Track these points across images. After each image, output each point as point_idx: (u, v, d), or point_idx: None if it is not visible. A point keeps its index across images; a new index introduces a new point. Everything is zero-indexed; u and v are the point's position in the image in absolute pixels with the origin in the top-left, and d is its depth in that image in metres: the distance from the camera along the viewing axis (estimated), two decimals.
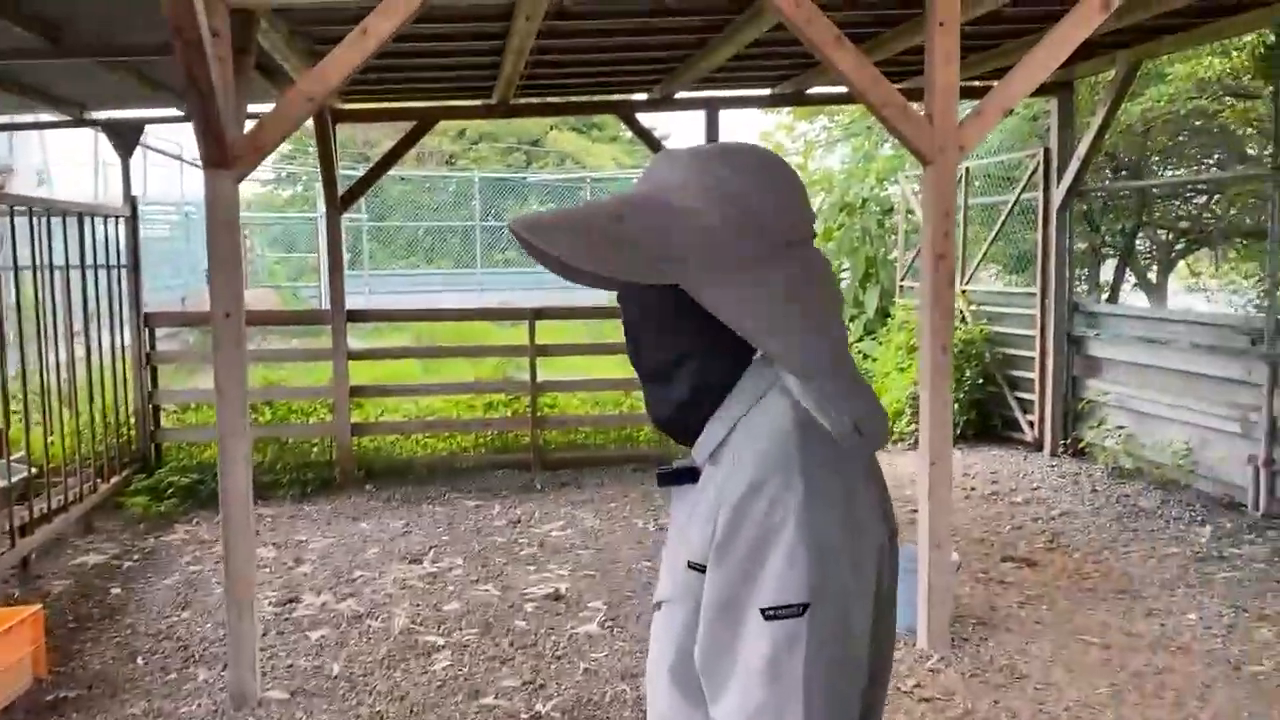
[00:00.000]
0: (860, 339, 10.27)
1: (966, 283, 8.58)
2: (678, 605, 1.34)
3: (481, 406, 7.89)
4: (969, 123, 3.90)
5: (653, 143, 7.28)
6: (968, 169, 8.67)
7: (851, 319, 10.64)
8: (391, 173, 20.17)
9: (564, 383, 8.05)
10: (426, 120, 7.34)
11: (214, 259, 3.62)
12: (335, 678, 4.02)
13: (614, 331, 10.05)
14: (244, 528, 3.70)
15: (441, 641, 4.35)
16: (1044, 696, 3.64)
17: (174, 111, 6.99)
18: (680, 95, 7.10)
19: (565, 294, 13.53)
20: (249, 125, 3.81)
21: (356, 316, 7.61)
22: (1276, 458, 5.80)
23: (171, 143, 15.00)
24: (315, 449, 7.36)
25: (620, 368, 9.62)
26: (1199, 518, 5.87)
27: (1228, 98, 9.28)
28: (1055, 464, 7.34)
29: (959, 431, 7.79)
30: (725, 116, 7.17)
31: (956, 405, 7.63)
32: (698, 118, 7.15)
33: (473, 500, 6.63)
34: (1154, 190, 10.20)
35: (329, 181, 7.08)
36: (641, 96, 7.23)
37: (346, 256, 19.08)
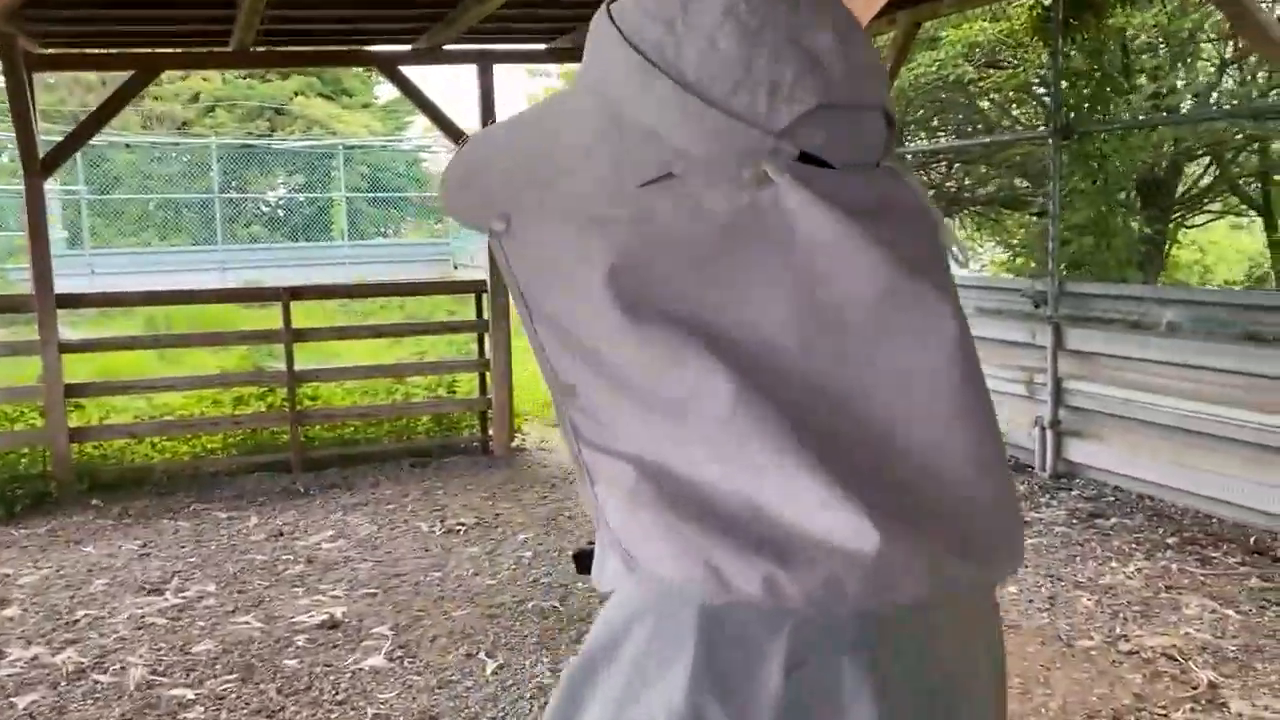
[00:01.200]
0: None
1: None
2: None
3: (230, 402, 6.95)
4: None
5: (421, 100, 6.54)
6: None
7: None
8: (116, 139, 18.26)
9: (326, 371, 7.28)
10: (149, 69, 6.27)
11: None
12: None
13: (380, 311, 9.26)
14: None
15: (192, 694, 3.59)
16: None
17: None
18: (449, 47, 6.41)
19: (323, 271, 12.47)
20: None
21: (69, 301, 6.46)
22: (1062, 418, 5.89)
23: None
24: (24, 460, 6.22)
25: (390, 351, 8.85)
26: None
27: (985, 68, 9.56)
28: None
29: None
30: (500, 72, 6.57)
31: None
32: (469, 72, 6.51)
33: (224, 511, 5.75)
34: (908, 158, 10.42)
35: (26, 140, 5.89)
36: (405, 48, 6.48)
37: (63, 234, 17.15)
